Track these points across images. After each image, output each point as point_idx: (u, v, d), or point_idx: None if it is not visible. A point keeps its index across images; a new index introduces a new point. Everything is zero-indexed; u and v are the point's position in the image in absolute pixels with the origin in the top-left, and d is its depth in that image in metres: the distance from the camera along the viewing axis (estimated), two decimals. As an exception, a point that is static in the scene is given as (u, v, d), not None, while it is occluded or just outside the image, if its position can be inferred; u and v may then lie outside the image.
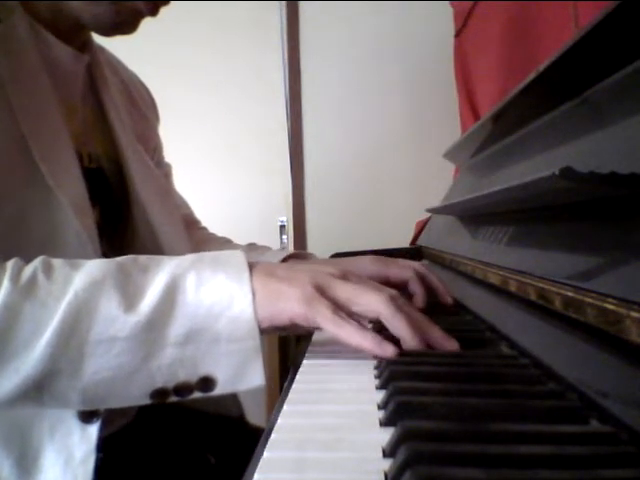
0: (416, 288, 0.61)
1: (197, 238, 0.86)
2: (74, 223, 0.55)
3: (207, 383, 0.43)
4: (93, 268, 0.43)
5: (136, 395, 0.43)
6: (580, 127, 0.48)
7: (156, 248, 0.69)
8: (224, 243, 0.89)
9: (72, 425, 0.51)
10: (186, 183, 0.94)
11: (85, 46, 0.68)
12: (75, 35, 0.65)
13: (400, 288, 0.58)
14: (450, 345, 0.45)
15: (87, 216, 0.58)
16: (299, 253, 0.78)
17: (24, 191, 0.53)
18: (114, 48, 0.78)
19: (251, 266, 0.45)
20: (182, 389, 0.43)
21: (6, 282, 0.41)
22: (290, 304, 0.43)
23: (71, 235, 0.55)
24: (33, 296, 0.41)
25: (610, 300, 0.32)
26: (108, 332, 0.41)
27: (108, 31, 0.62)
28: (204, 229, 0.96)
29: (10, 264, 0.43)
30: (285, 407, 0.36)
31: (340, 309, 0.43)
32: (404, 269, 0.63)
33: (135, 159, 0.70)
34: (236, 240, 0.90)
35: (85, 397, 0.42)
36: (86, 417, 0.51)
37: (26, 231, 0.53)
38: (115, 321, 0.41)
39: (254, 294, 0.42)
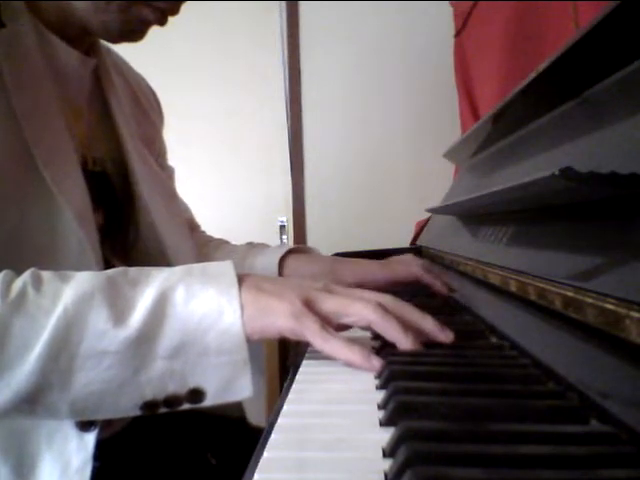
0: (430, 280, 0.66)
1: (197, 241, 0.86)
2: (76, 230, 0.55)
3: (196, 395, 0.43)
4: (83, 282, 0.43)
5: (126, 407, 0.43)
6: (580, 127, 0.48)
7: (160, 250, 0.69)
8: (221, 244, 0.90)
9: (69, 433, 0.51)
10: (186, 183, 0.94)
11: (92, 49, 0.68)
12: (82, 39, 0.64)
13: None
14: (444, 336, 0.45)
15: (89, 223, 0.58)
16: (299, 248, 0.78)
17: (26, 197, 0.53)
18: (114, 48, 0.78)
19: (240, 279, 0.45)
20: (172, 401, 0.43)
21: None
22: (279, 319, 0.43)
23: (73, 242, 0.55)
24: (23, 311, 0.41)
25: (610, 300, 0.31)
26: (98, 346, 0.41)
27: (115, 38, 0.62)
28: (203, 232, 0.96)
29: (0, 278, 0.42)
30: (285, 407, 0.36)
31: (328, 323, 0.44)
32: (410, 267, 0.67)
33: (140, 162, 0.70)
34: (236, 240, 0.90)
35: (75, 409, 0.42)
36: (84, 425, 0.51)
37: (28, 238, 0.53)
38: (105, 335, 0.41)
39: (243, 308, 0.43)
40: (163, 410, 0.43)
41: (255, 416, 0.82)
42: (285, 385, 0.41)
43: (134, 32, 0.61)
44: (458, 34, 1.35)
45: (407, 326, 0.45)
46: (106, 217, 0.66)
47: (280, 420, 0.33)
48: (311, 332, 0.43)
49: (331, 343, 0.43)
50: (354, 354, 0.42)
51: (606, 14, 0.39)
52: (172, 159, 0.90)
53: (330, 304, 0.45)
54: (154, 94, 0.87)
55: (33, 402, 0.41)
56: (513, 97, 0.61)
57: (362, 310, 0.44)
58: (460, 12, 1.30)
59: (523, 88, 0.57)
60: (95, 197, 0.60)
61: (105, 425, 0.59)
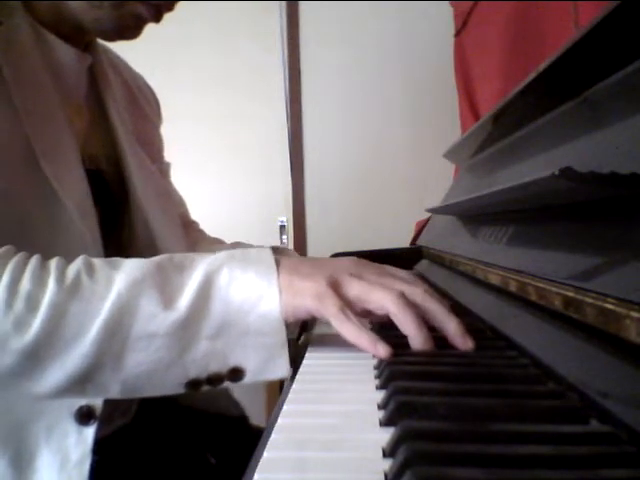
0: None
1: (192, 239, 0.86)
2: (78, 225, 0.55)
3: (237, 373, 0.45)
4: (133, 268, 0.45)
5: (172, 385, 0.45)
6: (580, 127, 0.48)
7: (153, 251, 0.69)
8: (214, 243, 0.89)
9: (68, 427, 0.50)
10: (186, 183, 0.94)
11: (88, 47, 0.68)
12: (78, 37, 0.64)
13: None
14: (463, 343, 0.45)
15: (90, 218, 0.58)
16: (278, 249, 0.77)
17: (27, 193, 0.53)
18: (114, 48, 0.78)
19: (278, 263, 0.47)
20: (214, 379, 0.45)
21: (52, 283, 0.43)
22: (306, 300, 0.45)
23: (75, 237, 0.55)
24: (79, 296, 0.43)
25: (610, 300, 0.31)
26: (148, 329, 0.43)
27: (111, 36, 0.62)
28: (200, 232, 0.95)
29: (54, 265, 0.44)
30: (285, 407, 0.36)
31: (348, 306, 0.45)
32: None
33: (135, 161, 0.70)
34: (236, 240, 0.90)
35: (125, 387, 0.45)
36: (83, 419, 0.51)
37: (29, 233, 0.53)
38: (155, 318, 0.43)
39: (281, 292, 0.45)
40: (205, 388, 0.46)
41: (255, 416, 0.82)
42: (285, 385, 0.41)
43: (129, 29, 0.61)
44: (458, 34, 1.35)
45: (422, 324, 0.45)
46: (102, 216, 0.66)
47: (280, 420, 0.33)
48: (330, 313, 0.44)
49: (345, 325, 0.44)
50: (362, 338, 0.44)
51: (606, 14, 0.39)
52: (172, 159, 0.90)
53: (353, 289, 0.46)
54: (152, 92, 0.86)
55: (85, 382, 0.44)
56: (513, 97, 0.61)
57: (382, 299, 0.45)
58: (460, 12, 1.30)
59: (523, 88, 0.57)
60: (92, 196, 0.60)
61: (105, 422, 0.59)
